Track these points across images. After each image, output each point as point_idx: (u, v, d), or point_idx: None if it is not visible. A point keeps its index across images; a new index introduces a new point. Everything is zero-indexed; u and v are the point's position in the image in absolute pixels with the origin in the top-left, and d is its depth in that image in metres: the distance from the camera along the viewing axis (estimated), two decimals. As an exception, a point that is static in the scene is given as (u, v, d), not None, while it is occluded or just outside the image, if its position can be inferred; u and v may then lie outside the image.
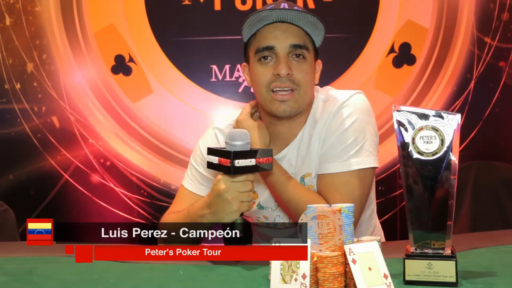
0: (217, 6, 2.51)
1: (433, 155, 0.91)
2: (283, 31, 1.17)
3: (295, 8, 1.17)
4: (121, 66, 2.52)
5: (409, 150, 0.92)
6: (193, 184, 1.34)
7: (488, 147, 2.50)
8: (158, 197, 2.55)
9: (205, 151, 1.27)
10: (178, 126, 2.53)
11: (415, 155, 0.91)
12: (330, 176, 1.18)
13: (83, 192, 2.52)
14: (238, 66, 2.53)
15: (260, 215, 1.33)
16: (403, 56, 2.53)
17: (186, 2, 2.51)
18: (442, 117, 0.92)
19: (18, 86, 2.52)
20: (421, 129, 0.92)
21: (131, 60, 2.53)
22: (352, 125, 1.17)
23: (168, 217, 1.28)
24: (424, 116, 0.93)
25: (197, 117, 2.52)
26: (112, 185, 2.53)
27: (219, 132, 1.34)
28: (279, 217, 1.30)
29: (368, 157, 1.17)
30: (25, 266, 1.08)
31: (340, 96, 1.22)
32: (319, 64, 1.27)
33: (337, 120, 1.19)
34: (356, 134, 1.17)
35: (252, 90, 1.31)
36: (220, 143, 1.33)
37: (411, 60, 2.55)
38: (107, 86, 2.54)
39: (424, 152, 0.91)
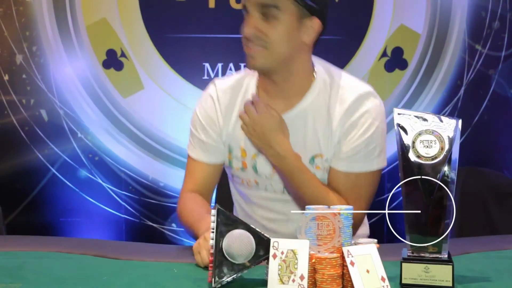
0: (211, 3, 2.51)
1: (433, 159, 0.92)
2: None
3: None
4: (113, 61, 2.50)
5: (409, 154, 0.92)
6: (199, 152, 1.31)
7: (476, 153, 2.53)
8: (146, 194, 2.53)
9: (203, 118, 1.30)
10: (169, 123, 2.51)
11: (415, 159, 0.92)
12: (354, 175, 1.24)
13: (70, 187, 2.49)
14: (231, 64, 2.53)
15: (252, 179, 1.31)
16: (395, 60, 2.56)
17: None
18: (442, 122, 0.93)
19: (6, 77, 2.48)
20: (421, 133, 0.93)
21: (123, 55, 2.51)
22: (375, 132, 1.23)
23: (183, 206, 1.28)
24: (424, 120, 0.94)
25: (188, 114, 2.48)
26: (100, 181, 2.51)
27: (216, 96, 1.30)
28: (271, 186, 1.30)
29: (384, 157, 1.27)
30: (15, 261, 1.06)
31: (360, 96, 1.23)
32: (314, 23, 1.19)
33: (361, 126, 1.23)
34: (378, 139, 1.24)
35: None
36: (218, 109, 1.29)
37: (403, 65, 2.57)
38: (97, 81, 2.51)
39: (424, 156, 0.92)
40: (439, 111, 2.56)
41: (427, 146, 0.92)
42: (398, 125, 0.94)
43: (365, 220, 1.43)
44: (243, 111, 1.24)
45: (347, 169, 1.23)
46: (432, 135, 0.93)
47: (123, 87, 2.52)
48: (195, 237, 1.16)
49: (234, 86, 1.30)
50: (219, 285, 0.88)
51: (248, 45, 1.18)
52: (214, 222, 0.89)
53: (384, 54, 2.55)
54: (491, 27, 2.54)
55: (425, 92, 2.58)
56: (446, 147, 0.92)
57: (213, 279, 0.88)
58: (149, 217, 2.53)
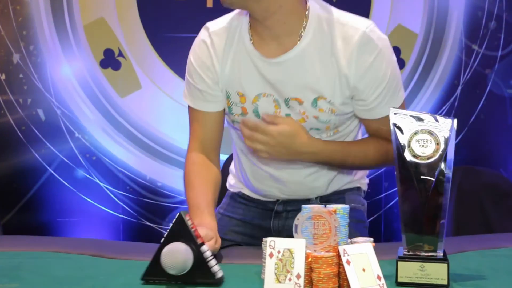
0: (209, 3, 2.51)
1: (428, 158, 0.92)
2: None
3: None
4: (110, 60, 2.50)
5: (405, 153, 0.93)
6: (197, 101, 1.26)
7: (473, 152, 2.54)
8: (144, 194, 2.53)
9: (197, 64, 1.23)
10: (166, 122, 2.51)
11: (411, 158, 0.92)
12: (387, 116, 1.16)
13: (67, 187, 2.49)
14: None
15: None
16: None
17: None
18: (437, 121, 0.93)
19: (3, 77, 2.48)
20: (416, 132, 0.93)
21: (120, 54, 2.51)
22: (392, 69, 1.19)
23: (189, 173, 1.25)
24: (420, 120, 0.94)
25: (185, 114, 2.49)
26: (98, 181, 2.51)
27: (211, 41, 1.22)
28: None
29: (402, 87, 1.26)
30: (12, 261, 1.06)
31: (364, 34, 1.15)
32: None
33: (379, 69, 1.17)
34: (397, 75, 1.21)
35: None
36: (213, 54, 1.21)
37: (401, 64, 2.57)
38: (95, 80, 2.51)
39: (419, 156, 0.92)
40: (436, 110, 2.57)
41: (423, 146, 0.92)
42: (394, 124, 0.95)
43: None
44: (255, 143, 1.14)
45: (380, 115, 1.20)
46: (428, 134, 0.93)
47: (120, 86, 2.51)
48: None
49: (228, 27, 1.22)
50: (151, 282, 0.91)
51: None
52: (171, 225, 0.92)
53: (381, 53, 2.55)
54: (487, 27, 2.55)
55: (422, 91, 2.59)
56: (442, 146, 0.92)
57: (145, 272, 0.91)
58: (147, 217, 2.53)
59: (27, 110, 2.48)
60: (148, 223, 2.53)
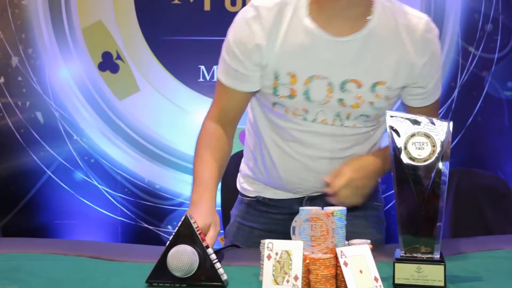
0: (207, 6, 2.51)
1: (425, 161, 0.93)
2: None
3: None
4: (109, 63, 2.51)
5: (401, 155, 0.93)
6: (228, 78, 1.21)
7: (470, 154, 2.55)
8: (142, 196, 2.53)
9: (235, 45, 1.17)
10: (164, 125, 2.52)
11: (407, 161, 0.93)
12: (432, 105, 1.26)
13: (66, 189, 2.50)
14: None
15: (300, 107, 1.19)
16: None
17: (176, 1, 2.50)
18: (434, 124, 0.94)
19: (2, 80, 2.49)
20: (413, 135, 0.94)
21: (118, 57, 2.51)
22: (440, 55, 1.24)
23: (202, 140, 1.23)
24: (416, 123, 0.95)
25: (183, 117, 2.52)
26: (96, 183, 2.51)
27: (258, 16, 1.15)
28: (322, 114, 1.19)
29: None
30: (11, 263, 1.07)
31: (427, 23, 1.19)
32: None
33: (438, 58, 1.23)
34: (441, 64, 1.27)
35: None
36: (257, 32, 1.15)
37: None
38: (93, 83, 2.51)
39: (416, 158, 0.93)
40: None
41: (419, 148, 0.93)
42: (391, 127, 0.95)
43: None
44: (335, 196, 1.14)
45: (433, 100, 1.25)
46: (424, 137, 0.94)
47: (118, 89, 2.52)
48: None
49: (280, 2, 1.16)
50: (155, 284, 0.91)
51: None
52: (177, 227, 0.93)
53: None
54: (484, 29, 2.56)
55: None
56: (438, 149, 0.93)
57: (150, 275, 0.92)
58: (145, 219, 2.53)
59: (26, 113, 2.49)
60: (146, 225, 2.53)
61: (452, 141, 2.52)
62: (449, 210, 2.20)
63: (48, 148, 2.49)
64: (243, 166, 1.39)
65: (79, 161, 2.50)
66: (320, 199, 1.29)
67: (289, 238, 1.27)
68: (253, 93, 1.24)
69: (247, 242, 1.30)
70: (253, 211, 1.34)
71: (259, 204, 1.34)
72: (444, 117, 2.56)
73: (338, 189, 1.14)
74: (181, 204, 2.52)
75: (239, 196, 1.40)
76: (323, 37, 1.14)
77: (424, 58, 1.18)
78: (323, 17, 1.15)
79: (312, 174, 1.25)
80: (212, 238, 1.05)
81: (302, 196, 1.31)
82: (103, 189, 2.52)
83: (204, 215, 1.07)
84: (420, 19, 1.18)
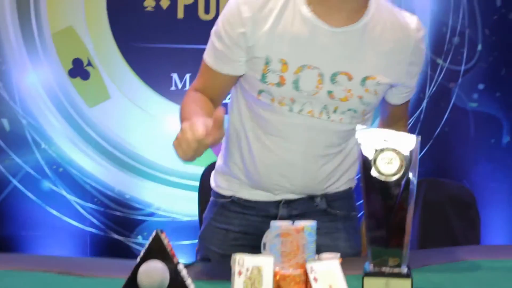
0: (180, 14, 2.51)
1: (393, 175, 0.95)
2: None
3: None
4: (79, 70, 2.47)
5: (371, 170, 0.95)
6: (212, 58, 1.22)
7: (437, 164, 2.62)
8: (112, 206, 2.49)
9: (222, 26, 1.18)
10: (135, 133, 2.49)
11: (376, 175, 0.95)
12: (408, 102, 1.33)
13: (32, 199, 2.44)
14: (199, 75, 2.53)
15: (288, 96, 1.18)
16: None
17: (149, 8, 2.49)
18: (402, 139, 0.96)
19: None
20: (382, 150, 0.96)
21: (89, 64, 2.48)
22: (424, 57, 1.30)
23: (187, 98, 1.23)
24: (385, 138, 0.97)
25: (155, 125, 2.49)
26: (64, 193, 2.46)
27: (246, 2, 1.16)
28: (310, 105, 1.18)
29: None
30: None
31: (418, 22, 1.24)
32: None
33: (423, 56, 1.27)
34: None
35: None
36: (245, 12, 1.15)
37: None
38: (63, 90, 2.47)
39: (385, 173, 0.95)
40: None
41: (388, 163, 0.95)
42: (360, 143, 0.97)
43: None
44: None
45: (410, 96, 1.31)
46: (393, 152, 0.96)
47: (89, 96, 2.48)
48: None
49: None
50: None
51: None
52: (148, 243, 0.90)
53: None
54: (451, 42, 2.64)
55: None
56: (406, 163, 0.95)
57: None
58: (115, 230, 2.49)
59: None
60: (116, 236, 2.50)
61: (421, 151, 2.58)
62: (416, 220, 2.25)
63: (14, 156, 2.43)
64: (219, 162, 1.34)
65: (47, 170, 2.45)
66: (298, 203, 1.27)
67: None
68: (238, 78, 1.23)
69: (223, 246, 1.28)
70: (227, 212, 1.31)
71: (234, 205, 1.30)
72: (413, 128, 2.62)
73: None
74: (151, 214, 2.49)
75: (212, 198, 1.36)
76: (321, 27, 1.15)
77: (414, 56, 1.22)
78: (321, 6, 1.16)
79: (291, 170, 1.23)
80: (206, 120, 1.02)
81: (279, 199, 1.27)
82: (72, 199, 2.47)
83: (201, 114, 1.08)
84: (411, 18, 1.23)
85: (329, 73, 1.17)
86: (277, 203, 1.28)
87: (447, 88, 2.66)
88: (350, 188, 1.36)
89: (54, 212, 2.45)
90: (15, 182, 2.43)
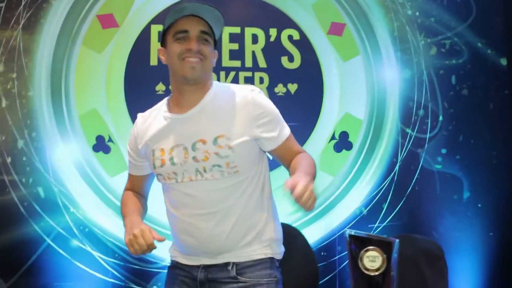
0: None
1: (377, 270, 1.17)
2: (195, 21, 1.49)
3: (205, 4, 1.50)
4: (101, 145, 2.75)
5: (358, 266, 1.17)
6: (129, 167, 1.69)
7: (409, 219, 2.87)
8: (131, 260, 2.72)
9: (128, 143, 1.66)
10: (150, 198, 2.76)
11: (363, 270, 1.17)
12: (288, 139, 1.53)
13: (63, 255, 2.66)
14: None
15: (170, 171, 1.49)
16: (342, 142, 2.90)
17: (160, 92, 2.80)
18: (384, 241, 1.18)
19: (9, 160, 2.69)
20: (367, 250, 1.17)
21: (110, 140, 2.76)
22: (272, 107, 1.54)
23: (123, 196, 1.70)
24: (370, 240, 1.19)
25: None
26: (90, 249, 2.69)
27: (136, 123, 1.64)
28: (186, 172, 1.47)
29: (286, 124, 1.58)
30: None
31: (247, 87, 1.54)
32: (215, 55, 1.55)
33: (260, 104, 1.50)
34: (274, 110, 1.55)
35: (168, 66, 1.57)
36: (135, 133, 1.61)
37: (349, 146, 2.91)
38: (88, 162, 2.73)
39: (370, 269, 1.17)
40: (379, 184, 2.90)
41: (372, 260, 1.17)
42: (350, 243, 1.18)
43: (277, 222, 1.56)
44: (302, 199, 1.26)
45: (285, 137, 1.51)
46: (376, 251, 1.17)
47: (110, 167, 2.73)
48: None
49: (151, 110, 1.62)
50: None
51: (185, 57, 1.47)
52: None
53: (333, 137, 2.88)
54: (417, 114, 2.92)
55: (368, 168, 2.92)
56: (387, 260, 1.16)
57: None
58: (133, 281, 2.70)
59: (28, 188, 2.65)
60: (134, 286, 2.71)
61: (395, 208, 2.88)
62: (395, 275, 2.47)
63: (47, 219, 2.66)
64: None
65: (75, 230, 2.67)
66: (213, 269, 1.48)
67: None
68: (151, 175, 1.64)
69: None
70: (171, 274, 1.57)
71: (175, 268, 1.56)
72: (388, 188, 2.89)
73: (300, 194, 1.24)
74: (165, 267, 2.69)
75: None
76: (174, 118, 1.52)
77: (256, 109, 1.48)
78: (174, 104, 1.55)
79: (195, 231, 1.46)
80: (151, 229, 1.37)
81: (199, 264, 1.50)
82: (96, 255, 2.69)
83: (137, 219, 1.47)
84: (245, 86, 1.53)
85: (190, 145, 1.48)
86: (198, 267, 1.51)
87: (416, 153, 2.93)
88: (269, 257, 1.50)
89: (82, 266, 2.67)
90: (48, 240, 2.66)
